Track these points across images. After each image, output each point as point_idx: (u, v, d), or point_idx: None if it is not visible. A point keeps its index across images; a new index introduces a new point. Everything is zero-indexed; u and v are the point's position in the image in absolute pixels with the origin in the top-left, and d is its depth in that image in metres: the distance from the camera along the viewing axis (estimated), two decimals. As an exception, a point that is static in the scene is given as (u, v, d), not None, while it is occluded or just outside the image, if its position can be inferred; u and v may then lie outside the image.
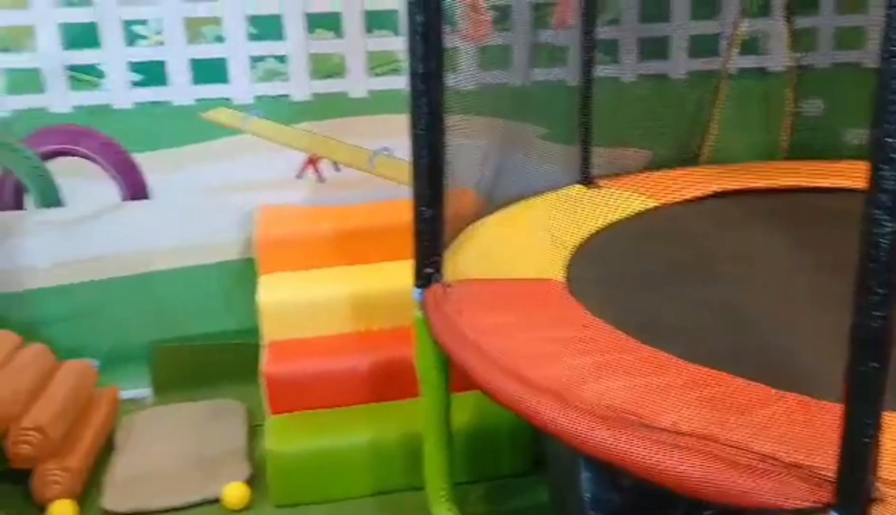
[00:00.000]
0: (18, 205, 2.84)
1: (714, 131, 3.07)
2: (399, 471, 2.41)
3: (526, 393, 1.57)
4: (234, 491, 2.38)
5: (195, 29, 2.80)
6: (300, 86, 2.92)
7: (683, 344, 1.64)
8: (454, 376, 2.13)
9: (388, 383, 2.51)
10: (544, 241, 2.29)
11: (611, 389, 1.48)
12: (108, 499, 2.41)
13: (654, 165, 3.06)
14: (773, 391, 1.42)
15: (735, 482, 1.24)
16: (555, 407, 1.50)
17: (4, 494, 2.47)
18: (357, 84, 2.96)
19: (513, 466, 2.47)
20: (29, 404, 2.44)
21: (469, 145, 2.34)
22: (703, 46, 3.10)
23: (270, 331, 2.61)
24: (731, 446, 1.27)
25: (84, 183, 2.85)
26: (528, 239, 2.32)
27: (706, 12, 3.09)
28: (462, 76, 2.49)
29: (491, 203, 2.54)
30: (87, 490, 2.46)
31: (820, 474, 1.18)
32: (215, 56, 2.83)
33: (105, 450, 2.63)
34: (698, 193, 2.74)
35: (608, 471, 1.79)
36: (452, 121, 2.08)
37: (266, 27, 2.84)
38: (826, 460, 1.17)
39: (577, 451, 1.56)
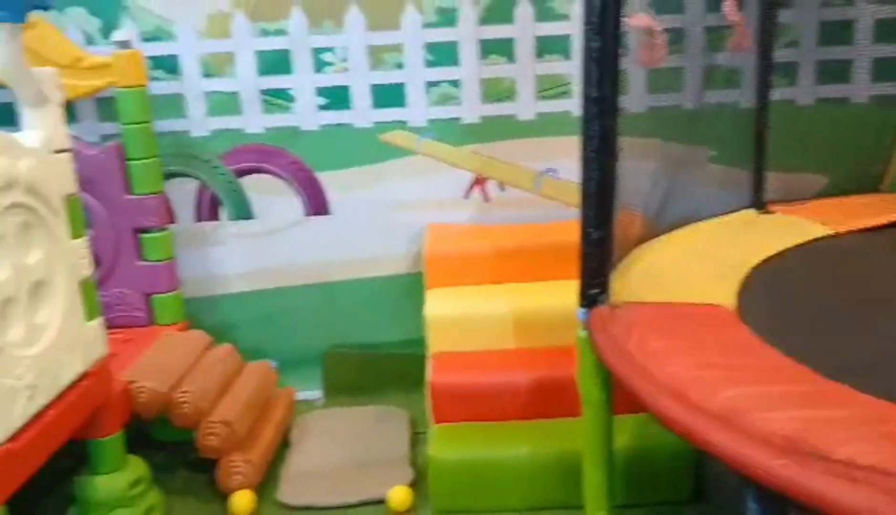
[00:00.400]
0: (214, 216, 3.12)
1: (897, 157, 2.92)
2: (556, 488, 2.44)
3: (697, 418, 1.57)
4: (399, 494, 2.49)
5: (377, 56, 2.98)
6: (471, 110, 3.03)
7: (863, 376, 1.58)
8: (615, 398, 2.15)
9: (549, 400, 2.55)
10: (714, 266, 2.27)
11: (784, 418, 1.46)
12: (283, 493, 2.59)
13: (830, 192, 2.95)
14: (965, 430, 1.36)
15: (920, 520, 1.20)
16: (726, 433, 1.49)
17: (193, 482, 2.71)
18: (526, 107, 3.04)
19: (672, 493, 2.44)
20: (217, 399, 2.66)
21: (638, 168, 2.36)
22: (888, 70, 2.96)
23: (436, 343, 2.71)
24: (915, 483, 1.23)
25: (272, 198, 3.08)
26: (697, 262, 2.30)
27: (892, 35, 2.95)
28: (633, 99, 2.51)
29: (659, 226, 2.53)
30: (265, 482, 2.65)
31: None
32: (395, 81, 3.00)
33: (280, 447, 2.82)
34: (879, 221, 2.62)
35: (775, 504, 1.75)
36: (622, 143, 2.11)
37: (442, 53, 2.98)
38: None
39: (746, 479, 1.54)
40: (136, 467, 2.52)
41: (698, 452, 2.37)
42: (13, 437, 1.94)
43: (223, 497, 2.57)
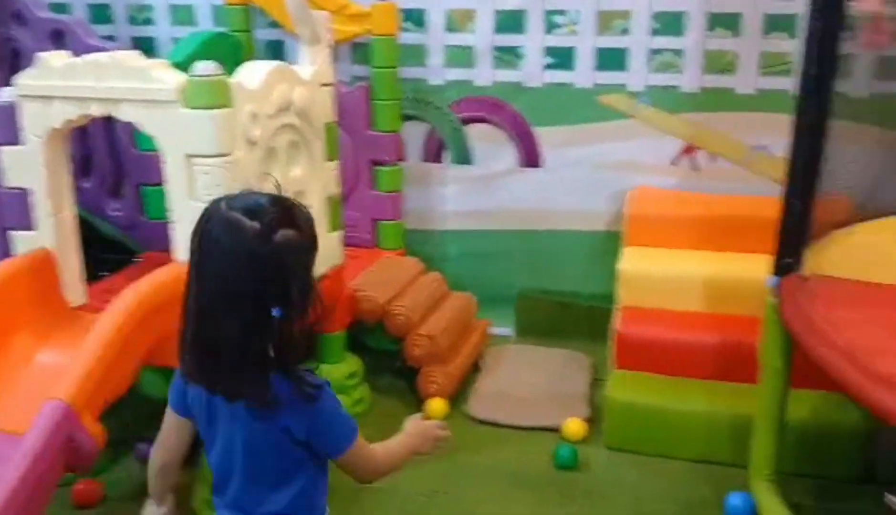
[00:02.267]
0: (438, 159, 3.46)
1: None
2: (725, 446, 2.56)
3: (867, 381, 1.68)
4: (574, 425, 2.73)
5: (606, 21, 3.15)
6: (691, 79, 3.14)
7: None
8: (795, 371, 2.24)
9: (729, 364, 2.66)
10: (916, 253, 2.28)
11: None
12: (472, 407, 2.91)
13: None
14: None
15: None
16: (892, 396, 1.59)
17: (395, 385, 3.09)
18: (746, 81, 3.10)
19: (841, 470, 2.49)
20: (425, 316, 3.01)
21: (851, 153, 2.39)
22: None
23: (626, 297, 2.89)
24: None
25: (491, 147, 3.36)
26: (896, 248, 2.32)
27: None
28: (856, 82, 2.52)
29: (865, 211, 2.54)
30: (457, 395, 2.97)
31: None
32: (619, 46, 3.17)
33: (472, 371, 3.13)
34: None
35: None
36: (836, 124, 2.17)
37: (668, 23, 3.10)
38: None
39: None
40: (353, 363, 2.94)
41: (870, 433, 2.42)
42: (267, 314, 2.38)
43: (420, 401, 2.92)
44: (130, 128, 2.67)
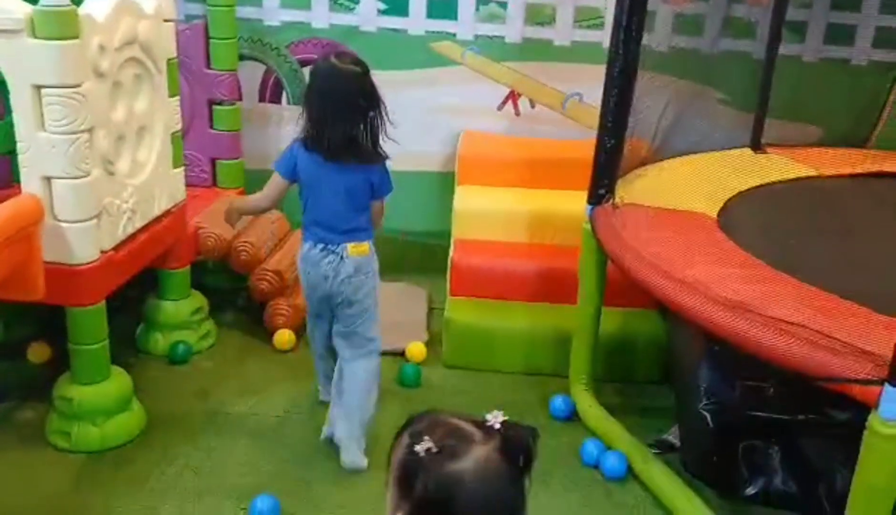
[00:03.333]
0: (276, 99, 3.52)
1: (886, 118, 3.28)
2: (548, 358, 2.89)
3: (669, 284, 2.01)
4: (416, 348, 2.95)
5: (438, -29, 3.34)
6: (514, 30, 3.40)
7: (807, 274, 1.99)
8: (606, 292, 2.58)
9: (550, 287, 2.98)
10: (706, 186, 2.67)
11: (737, 290, 1.89)
12: (318, 336, 3.06)
13: (823, 143, 3.31)
14: (864, 309, 1.78)
15: (818, 357, 1.63)
16: (689, 296, 1.93)
17: (240, 321, 3.18)
18: (562, 33, 3.40)
19: (645, 374, 2.89)
20: (270, 254, 3.11)
21: (652, 102, 2.74)
22: (888, 38, 3.30)
23: (460, 231, 3.14)
24: (821, 333, 1.66)
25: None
26: (692, 181, 2.70)
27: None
28: (657, 36, 2.87)
29: (665, 153, 2.92)
30: (302, 325, 3.10)
31: (882, 357, 1.55)
32: (449, -4, 3.38)
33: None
34: (858, 171, 3.01)
35: (723, 366, 2.20)
36: (642, 75, 2.49)
37: (496, -25, 3.34)
38: (887, 350, 1.54)
39: (702, 335, 1.98)
40: (198, 299, 2.99)
41: (668, 342, 2.82)
42: (116, 247, 2.40)
43: (267, 333, 3.04)
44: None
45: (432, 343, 3.03)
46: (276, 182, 2.39)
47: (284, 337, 2.99)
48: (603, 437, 2.51)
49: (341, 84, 2.25)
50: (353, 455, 2.36)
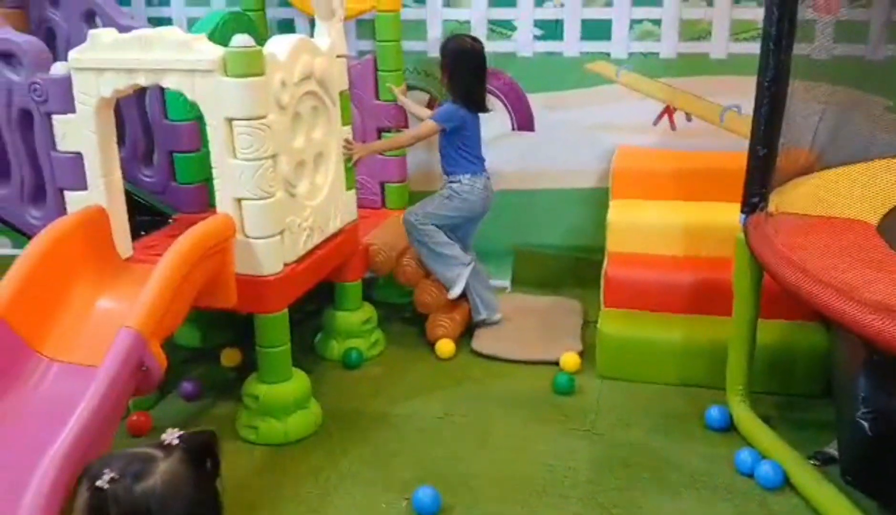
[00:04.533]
0: (438, 124, 3.74)
1: None
2: (702, 370, 2.89)
3: (823, 290, 2.00)
4: (570, 358, 3.05)
5: (591, -6, 3.46)
6: (668, 46, 3.45)
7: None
8: (763, 303, 2.57)
9: (705, 300, 2.98)
10: (867, 193, 2.59)
11: (883, 293, 1.86)
12: (476, 343, 3.23)
13: None
14: None
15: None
16: (843, 301, 1.92)
17: (406, 332, 3.40)
18: (718, 47, 3.41)
19: (805, 387, 2.82)
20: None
21: (814, 110, 2.70)
22: None
23: (614, 244, 3.21)
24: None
25: (488, 113, 3.65)
26: (851, 189, 2.63)
27: None
28: (816, 45, 2.83)
29: (824, 162, 2.85)
30: (462, 336, 3.29)
31: None
32: (603, 17, 3.47)
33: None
34: None
35: (882, 375, 2.15)
36: (799, 84, 2.47)
37: (648, -6, 3.42)
38: None
39: (862, 343, 1.95)
40: (368, 310, 3.24)
41: (828, 354, 2.74)
42: (297, 261, 2.68)
43: (428, 343, 3.24)
44: (162, 100, 2.96)
45: (587, 354, 3.11)
46: (430, 128, 3.14)
47: (445, 346, 3.18)
48: (759, 447, 2.49)
49: (478, 56, 3.11)
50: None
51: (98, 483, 1.15)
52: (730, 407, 2.67)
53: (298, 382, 2.70)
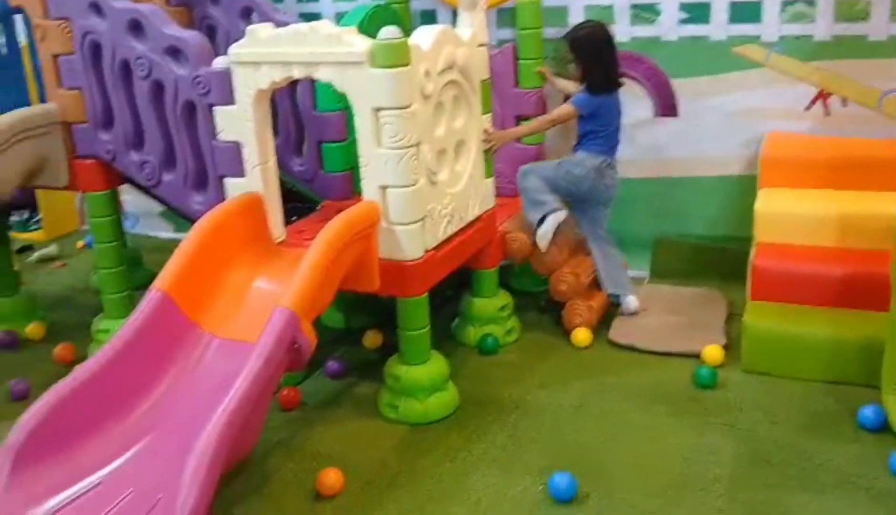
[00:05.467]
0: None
1: None
2: (854, 367, 2.75)
3: None
4: (713, 351, 2.97)
5: (740, -24, 3.34)
6: (823, 28, 3.28)
7: None
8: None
9: (858, 294, 2.84)
10: None
11: None
12: (613, 333, 3.20)
13: None
14: None
15: None
16: None
17: (542, 320, 3.41)
18: (878, 28, 3.21)
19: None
20: (569, 257, 3.31)
21: None
22: None
23: (762, 234, 3.09)
24: None
25: (629, 99, 3.58)
26: None
27: None
28: None
29: None
30: (599, 325, 3.27)
31: None
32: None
33: (610, 306, 3.40)
34: None
35: None
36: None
37: (801, -26, 3.26)
38: None
39: None
40: (504, 297, 3.28)
41: None
42: (437, 247, 2.75)
43: (564, 332, 3.24)
44: (312, 92, 3.10)
45: (731, 347, 3.02)
46: (568, 112, 3.17)
47: (581, 335, 3.17)
48: (918, 450, 2.36)
49: (607, 39, 3.12)
50: None
51: None
52: (885, 407, 2.53)
53: (437, 365, 2.78)
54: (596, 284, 3.34)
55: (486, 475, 2.45)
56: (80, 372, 2.23)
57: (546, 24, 3.47)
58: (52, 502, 2.01)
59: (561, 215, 3.19)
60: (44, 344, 3.44)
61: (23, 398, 2.97)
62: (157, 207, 4.42)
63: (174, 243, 2.61)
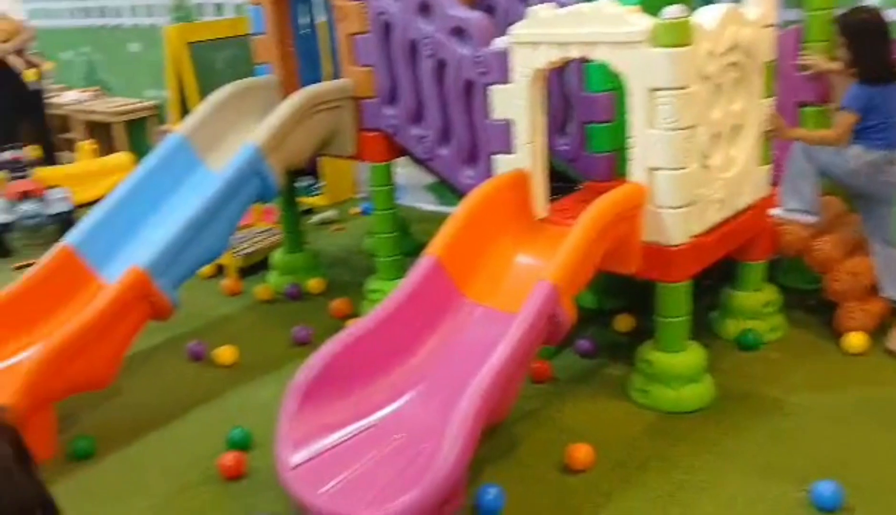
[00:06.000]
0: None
1: None
2: None
3: None
4: None
5: None
6: None
7: None
8: None
9: None
10: None
11: None
12: (893, 342, 2.92)
13: None
14: None
15: None
16: None
17: (810, 322, 3.19)
18: None
19: None
20: (850, 253, 3.06)
21: None
22: None
23: None
24: None
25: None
26: None
27: None
28: None
29: None
30: (875, 333, 3.00)
31: None
32: None
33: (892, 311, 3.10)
34: None
35: None
36: None
37: None
38: None
39: None
40: (770, 292, 3.11)
41: None
42: (704, 233, 2.67)
43: (834, 335, 3.02)
44: (580, 72, 3.12)
45: None
46: (847, 121, 2.82)
47: (855, 340, 2.94)
48: None
49: (882, 25, 2.84)
50: None
51: None
52: None
53: (693, 355, 2.71)
54: (875, 288, 3.07)
55: (743, 472, 2.37)
56: (358, 326, 2.45)
57: (838, 5, 3.22)
58: (333, 437, 2.23)
59: (810, 220, 2.98)
60: (322, 297, 3.80)
61: (304, 343, 3.31)
62: (426, 180, 4.69)
63: (438, 214, 2.77)
